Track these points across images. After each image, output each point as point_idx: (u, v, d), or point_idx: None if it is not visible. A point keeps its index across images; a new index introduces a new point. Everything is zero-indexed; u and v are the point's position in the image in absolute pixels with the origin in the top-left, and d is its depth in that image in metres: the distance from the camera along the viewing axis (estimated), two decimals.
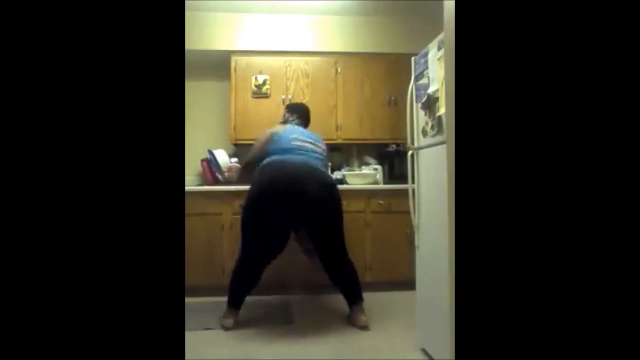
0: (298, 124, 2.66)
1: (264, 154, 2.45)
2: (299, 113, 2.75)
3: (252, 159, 2.53)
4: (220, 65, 3.56)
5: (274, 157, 2.38)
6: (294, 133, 2.49)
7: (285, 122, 2.70)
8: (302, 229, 2.50)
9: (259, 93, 3.38)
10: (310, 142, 2.50)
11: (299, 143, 2.45)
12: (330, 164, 2.64)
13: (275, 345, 2.12)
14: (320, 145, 2.56)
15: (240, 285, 2.38)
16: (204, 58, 3.53)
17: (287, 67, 3.41)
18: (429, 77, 1.85)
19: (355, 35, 3.51)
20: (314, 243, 2.44)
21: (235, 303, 2.39)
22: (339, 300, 2.46)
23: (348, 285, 2.41)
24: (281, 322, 2.46)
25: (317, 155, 2.47)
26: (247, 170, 2.59)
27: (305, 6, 3.34)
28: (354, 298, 2.41)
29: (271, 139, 2.48)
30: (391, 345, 2.09)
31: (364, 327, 2.32)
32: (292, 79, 3.41)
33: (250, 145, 3.41)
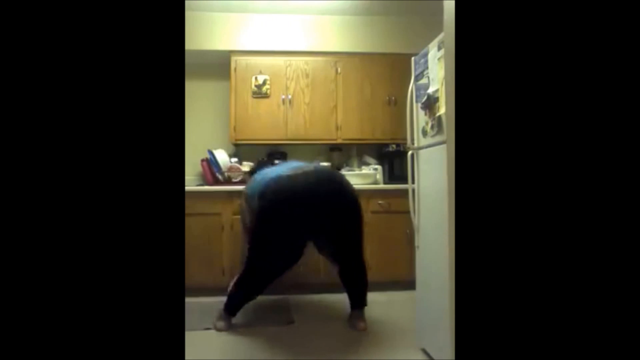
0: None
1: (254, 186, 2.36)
2: (264, 165, 2.70)
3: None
4: (220, 65, 3.56)
5: (277, 173, 2.26)
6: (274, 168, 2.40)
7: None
8: (318, 239, 2.41)
9: (259, 93, 3.38)
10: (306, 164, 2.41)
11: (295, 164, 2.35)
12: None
13: (275, 345, 2.12)
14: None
15: (242, 296, 2.34)
16: (204, 58, 3.53)
17: (287, 67, 3.41)
18: (429, 77, 1.85)
19: (355, 35, 3.51)
20: (328, 247, 2.40)
21: (232, 311, 2.37)
22: (339, 300, 2.46)
23: (356, 290, 2.40)
24: (281, 322, 2.46)
25: (320, 166, 2.40)
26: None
27: (306, 6, 3.34)
28: (357, 303, 2.40)
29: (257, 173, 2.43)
30: (391, 346, 2.09)
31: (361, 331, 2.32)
32: (292, 79, 3.41)
33: (250, 145, 3.44)
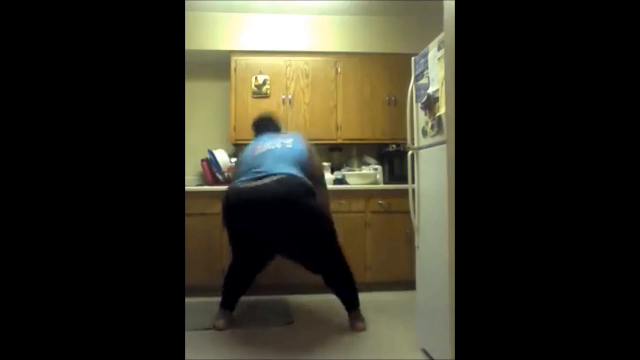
0: (266, 133, 2.59)
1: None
2: (262, 127, 2.67)
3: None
4: (220, 65, 3.56)
5: (231, 185, 2.33)
6: (255, 147, 2.40)
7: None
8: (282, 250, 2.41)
9: (259, 93, 3.38)
10: (276, 144, 2.37)
11: (260, 152, 2.33)
12: (311, 157, 2.41)
13: (275, 345, 2.12)
14: (290, 139, 2.43)
15: (233, 288, 2.39)
16: (204, 58, 3.53)
17: (287, 67, 3.41)
18: (429, 77, 1.85)
19: (355, 35, 3.51)
20: (300, 260, 2.39)
21: (227, 304, 2.39)
22: (338, 300, 2.46)
23: (341, 292, 2.38)
24: (281, 322, 2.46)
25: (281, 154, 2.31)
26: None
27: (306, 6, 3.34)
28: (349, 305, 2.38)
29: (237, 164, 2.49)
30: (391, 346, 2.09)
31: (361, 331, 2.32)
32: (292, 79, 3.41)
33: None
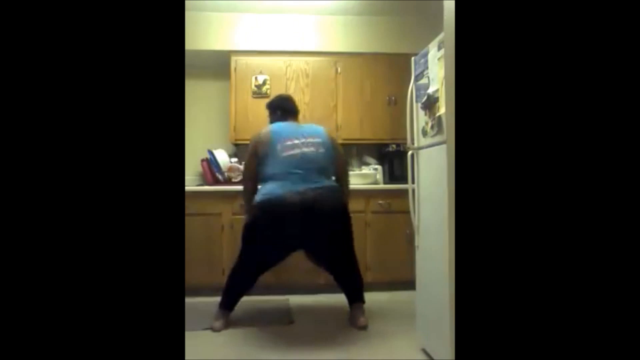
0: (287, 120, 2.49)
1: (259, 171, 2.35)
2: (282, 109, 2.54)
3: (248, 173, 2.43)
4: (220, 65, 3.56)
5: (271, 188, 2.25)
6: (285, 144, 2.30)
7: (272, 122, 2.53)
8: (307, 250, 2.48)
9: (259, 93, 3.38)
10: (307, 145, 2.32)
11: (293, 152, 2.28)
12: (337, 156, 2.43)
13: (275, 345, 2.12)
14: (318, 139, 2.36)
15: (235, 290, 2.39)
16: (204, 58, 3.52)
17: (287, 67, 3.41)
18: (429, 77, 1.85)
19: (355, 35, 3.51)
20: (321, 261, 2.47)
21: (227, 305, 2.39)
22: (339, 300, 2.47)
23: (351, 288, 2.43)
24: (281, 322, 2.46)
25: (317, 163, 2.30)
26: (245, 185, 2.47)
27: (306, 6, 3.34)
28: (355, 299, 2.42)
29: (258, 151, 2.34)
30: (391, 346, 2.09)
31: (362, 328, 2.32)
32: (292, 79, 3.41)
33: None
